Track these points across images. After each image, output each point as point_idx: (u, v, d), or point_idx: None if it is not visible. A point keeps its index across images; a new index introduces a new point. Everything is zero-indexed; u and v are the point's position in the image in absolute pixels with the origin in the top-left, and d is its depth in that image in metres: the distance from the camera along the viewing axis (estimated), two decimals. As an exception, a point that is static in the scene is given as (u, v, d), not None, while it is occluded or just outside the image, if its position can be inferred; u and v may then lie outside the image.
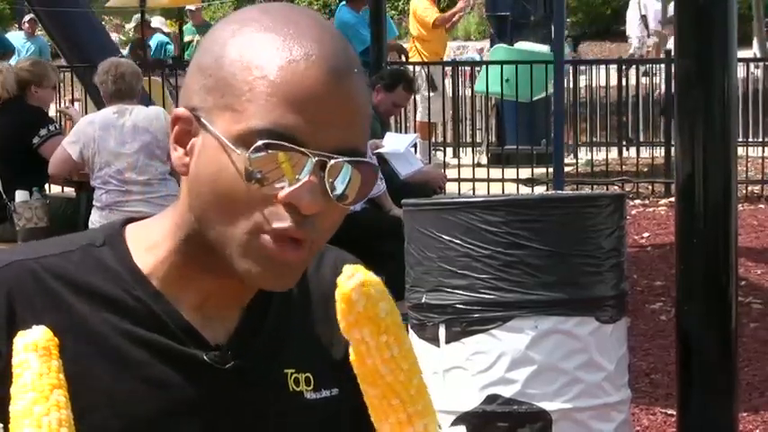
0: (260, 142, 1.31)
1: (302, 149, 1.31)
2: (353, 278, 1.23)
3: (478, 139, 13.88)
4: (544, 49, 10.27)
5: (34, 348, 1.20)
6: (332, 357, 1.50)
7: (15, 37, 17.87)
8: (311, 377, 1.48)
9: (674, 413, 4.70)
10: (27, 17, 17.52)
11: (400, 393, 1.24)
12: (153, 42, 16.54)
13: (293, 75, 1.32)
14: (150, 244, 1.45)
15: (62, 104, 11.55)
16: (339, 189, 1.34)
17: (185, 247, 1.42)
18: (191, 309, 1.44)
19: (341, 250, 1.58)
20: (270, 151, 1.31)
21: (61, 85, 13.21)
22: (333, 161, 1.32)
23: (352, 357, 1.27)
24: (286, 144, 1.31)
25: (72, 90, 12.74)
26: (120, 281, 1.43)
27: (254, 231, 1.34)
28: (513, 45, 13.10)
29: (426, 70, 12.92)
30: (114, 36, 18.36)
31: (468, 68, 14.34)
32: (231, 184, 1.34)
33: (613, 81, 13.18)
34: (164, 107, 8.82)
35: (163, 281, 1.43)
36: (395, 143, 7.87)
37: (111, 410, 1.38)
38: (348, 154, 1.34)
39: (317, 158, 1.31)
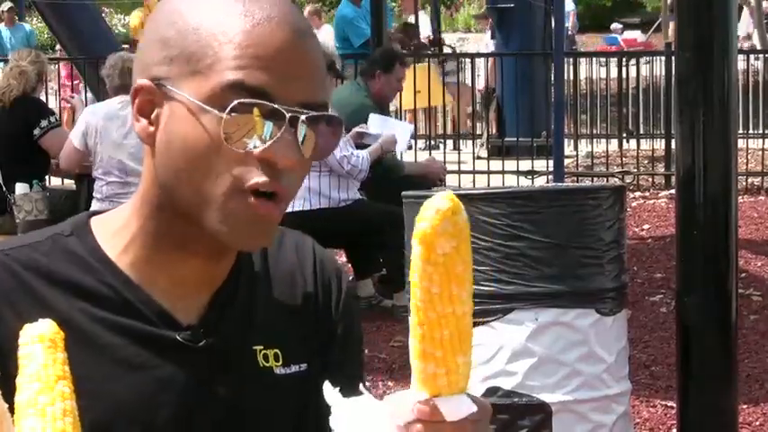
0: (236, 101, 1.35)
1: (275, 105, 1.35)
2: (438, 201, 1.21)
3: (478, 131, 13.88)
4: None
5: (40, 340, 1.21)
6: (299, 333, 1.53)
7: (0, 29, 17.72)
8: (279, 353, 1.51)
9: (674, 405, 4.70)
10: (5, 6, 17.37)
11: (424, 325, 1.24)
12: None
13: (259, 36, 1.37)
14: (116, 229, 1.47)
15: (64, 94, 11.53)
16: (309, 144, 1.39)
17: (152, 223, 1.44)
18: (162, 293, 1.46)
19: (299, 232, 1.62)
20: (244, 103, 1.35)
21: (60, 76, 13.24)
22: (304, 116, 1.37)
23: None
24: (260, 101, 1.35)
25: (71, 82, 12.73)
26: (90, 269, 1.45)
27: (232, 191, 1.37)
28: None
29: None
30: None
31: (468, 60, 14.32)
32: (204, 146, 1.37)
33: (613, 73, 13.17)
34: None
35: (132, 266, 1.46)
36: (383, 127, 7.74)
37: (90, 395, 1.39)
38: (315, 108, 1.39)
39: (290, 114, 1.36)
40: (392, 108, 10.42)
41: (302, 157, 1.38)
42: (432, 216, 1.21)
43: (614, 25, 23.31)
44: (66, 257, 1.45)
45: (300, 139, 1.38)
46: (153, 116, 1.41)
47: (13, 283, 1.43)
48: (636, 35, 21.91)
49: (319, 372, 1.52)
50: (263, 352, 1.50)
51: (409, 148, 9.45)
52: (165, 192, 1.41)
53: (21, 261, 1.44)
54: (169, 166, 1.40)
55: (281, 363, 1.50)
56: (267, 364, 1.50)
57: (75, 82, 13.88)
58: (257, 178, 1.36)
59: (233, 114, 1.35)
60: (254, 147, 1.36)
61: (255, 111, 1.35)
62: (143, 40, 1.44)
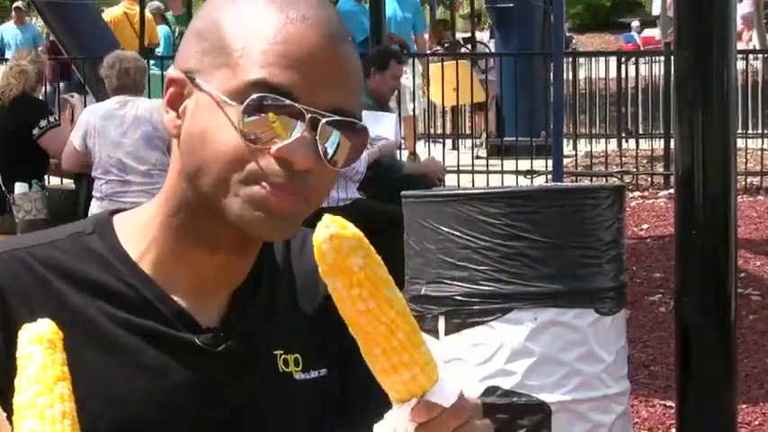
0: (255, 95, 1.34)
1: (295, 104, 1.34)
2: (327, 229, 1.22)
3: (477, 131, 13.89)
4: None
5: (39, 341, 1.20)
6: (320, 338, 1.51)
7: (8, 28, 17.72)
8: (300, 358, 1.49)
9: (673, 405, 4.70)
10: (19, 4, 17.37)
11: (381, 343, 1.24)
12: (160, 33, 16.36)
13: (290, 34, 1.36)
14: (139, 226, 1.46)
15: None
16: (329, 149, 1.36)
17: (176, 218, 1.43)
18: (183, 292, 1.45)
19: None
20: (262, 99, 1.34)
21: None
22: (325, 119, 1.35)
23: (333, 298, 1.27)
24: (280, 98, 1.34)
25: (71, 81, 12.72)
26: (111, 267, 1.44)
27: (249, 181, 1.36)
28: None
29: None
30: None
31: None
32: (225, 139, 1.36)
33: (612, 73, 13.17)
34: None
35: (154, 264, 1.44)
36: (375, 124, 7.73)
37: (105, 397, 1.39)
38: (342, 115, 1.37)
39: (309, 115, 1.34)
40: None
41: (320, 160, 1.36)
42: (331, 245, 1.22)
43: (634, 23, 23.31)
44: (86, 255, 1.44)
45: (334, 145, 1.36)
46: (181, 109, 1.41)
47: (31, 281, 1.41)
48: (655, 33, 21.91)
49: (339, 377, 1.51)
50: (283, 357, 1.48)
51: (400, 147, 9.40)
52: (190, 184, 1.40)
53: (40, 258, 1.43)
54: (192, 157, 1.39)
55: (300, 368, 1.49)
56: (287, 370, 1.48)
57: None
58: (273, 177, 1.35)
59: (252, 116, 1.34)
60: (272, 144, 1.35)
61: (273, 113, 1.34)
62: (186, 32, 1.46)
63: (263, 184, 1.35)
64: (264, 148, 1.35)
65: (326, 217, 1.23)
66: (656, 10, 23.90)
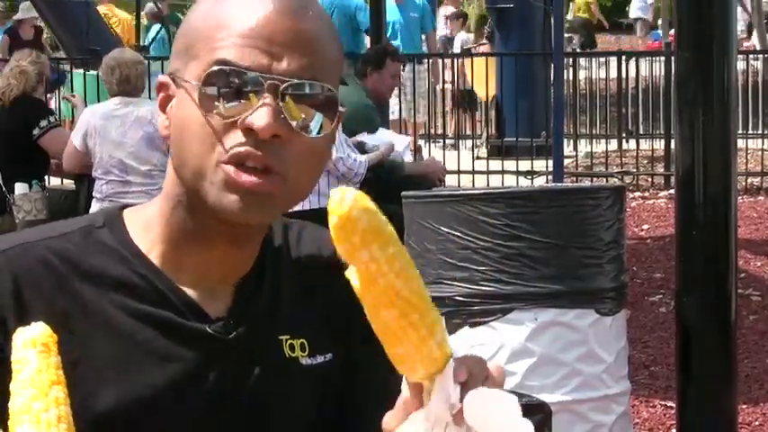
0: (215, 67, 1.37)
1: (250, 72, 1.37)
2: (346, 198, 1.17)
3: (478, 132, 13.89)
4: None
5: (33, 345, 1.20)
6: (324, 323, 1.54)
7: None
8: (306, 343, 1.51)
9: (674, 405, 4.70)
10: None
11: (418, 305, 1.20)
12: (152, 32, 16.34)
13: (244, 16, 1.40)
14: (146, 223, 1.49)
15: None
16: (296, 116, 1.39)
17: (176, 216, 1.46)
18: (189, 285, 1.47)
19: (318, 225, 1.61)
20: (225, 76, 1.37)
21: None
22: (285, 84, 1.38)
23: (358, 287, 1.20)
24: (233, 68, 1.37)
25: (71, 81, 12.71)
26: (122, 259, 1.46)
27: (220, 163, 1.38)
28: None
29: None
30: None
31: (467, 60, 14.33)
32: (196, 124, 1.39)
33: (613, 73, 13.16)
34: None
35: (160, 257, 1.47)
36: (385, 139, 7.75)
37: (119, 388, 1.41)
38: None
39: (268, 82, 1.37)
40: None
41: (288, 127, 1.38)
42: (359, 208, 1.16)
43: (660, 21, 23.19)
44: (98, 248, 1.47)
45: (302, 112, 1.39)
46: (168, 109, 1.45)
47: (45, 273, 1.43)
48: None
49: (343, 361, 1.53)
50: (289, 342, 1.50)
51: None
52: (179, 179, 1.44)
53: (54, 251, 1.45)
54: (176, 152, 1.43)
55: (307, 353, 1.51)
56: (293, 355, 1.50)
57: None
58: (239, 147, 1.37)
59: (212, 84, 1.38)
60: (235, 117, 1.38)
61: (234, 80, 1.38)
62: None
63: (230, 166, 1.38)
64: (230, 123, 1.38)
65: (334, 191, 1.19)
66: (632, 13, 24.11)
